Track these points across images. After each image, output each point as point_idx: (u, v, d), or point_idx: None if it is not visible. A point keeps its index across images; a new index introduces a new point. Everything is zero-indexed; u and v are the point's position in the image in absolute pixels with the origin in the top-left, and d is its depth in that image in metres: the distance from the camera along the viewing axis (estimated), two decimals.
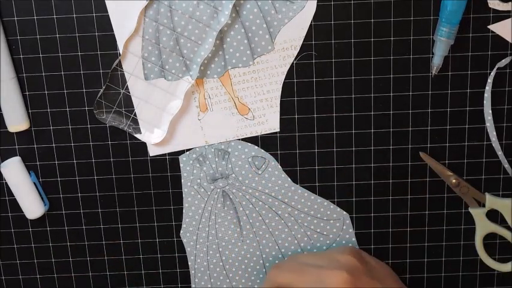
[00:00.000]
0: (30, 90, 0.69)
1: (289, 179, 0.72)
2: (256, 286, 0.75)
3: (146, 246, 0.74)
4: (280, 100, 0.69)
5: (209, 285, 0.75)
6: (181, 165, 0.71)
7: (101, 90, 0.68)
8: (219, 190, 0.72)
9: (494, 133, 0.69)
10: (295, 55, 0.68)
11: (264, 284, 0.69)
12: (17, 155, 0.71)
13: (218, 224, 0.73)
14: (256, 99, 0.69)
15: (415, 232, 0.73)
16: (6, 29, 0.67)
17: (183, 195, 0.72)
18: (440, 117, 0.69)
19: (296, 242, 0.73)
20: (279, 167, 0.71)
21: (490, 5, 0.66)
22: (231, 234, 0.73)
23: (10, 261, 0.74)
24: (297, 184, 0.72)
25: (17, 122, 0.68)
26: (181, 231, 0.73)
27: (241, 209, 0.72)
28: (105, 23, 0.67)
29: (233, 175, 0.71)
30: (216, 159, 0.71)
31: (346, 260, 0.67)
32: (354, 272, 0.65)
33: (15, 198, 0.71)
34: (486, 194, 0.70)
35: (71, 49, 0.67)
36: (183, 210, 0.73)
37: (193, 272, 0.75)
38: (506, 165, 0.70)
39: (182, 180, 0.72)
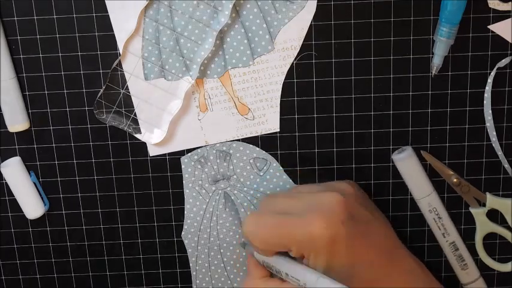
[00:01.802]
0: (30, 90, 0.69)
1: (291, 180, 0.72)
2: None
3: (146, 246, 0.74)
4: (280, 100, 0.69)
5: (210, 287, 0.75)
6: (182, 166, 0.71)
7: (101, 90, 0.68)
8: (220, 191, 0.72)
9: (494, 133, 0.69)
10: (295, 55, 0.68)
11: (247, 217, 0.66)
12: (17, 155, 0.71)
13: (219, 226, 0.73)
14: (256, 99, 0.69)
15: (415, 232, 0.73)
16: (6, 29, 0.67)
17: (185, 197, 0.72)
18: (440, 117, 0.69)
19: None
20: (281, 168, 0.71)
21: (490, 5, 0.66)
22: (233, 236, 0.73)
23: (10, 261, 0.74)
24: (297, 184, 0.72)
25: (17, 122, 0.68)
26: (182, 233, 0.73)
27: (242, 210, 0.72)
28: (105, 23, 0.67)
29: (234, 176, 0.71)
30: (218, 161, 0.71)
31: (343, 185, 0.66)
32: (348, 197, 0.63)
33: (15, 198, 0.71)
34: (487, 193, 0.70)
35: (71, 49, 0.67)
36: (185, 212, 0.73)
37: (194, 273, 0.75)
38: (506, 165, 0.70)
39: (183, 182, 0.72)
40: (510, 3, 0.66)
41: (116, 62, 0.67)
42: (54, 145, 0.70)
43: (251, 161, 0.71)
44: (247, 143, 0.70)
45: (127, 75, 0.68)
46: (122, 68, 0.68)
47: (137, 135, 0.70)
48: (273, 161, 0.71)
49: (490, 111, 0.68)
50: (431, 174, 0.70)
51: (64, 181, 0.72)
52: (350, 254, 0.61)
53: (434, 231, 0.71)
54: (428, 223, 0.71)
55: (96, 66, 0.68)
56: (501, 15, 0.66)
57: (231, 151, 0.71)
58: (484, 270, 0.73)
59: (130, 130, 0.69)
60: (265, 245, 0.64)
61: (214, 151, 0.71)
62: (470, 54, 0.67)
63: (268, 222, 0.63)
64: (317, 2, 0.66)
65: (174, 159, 0.71)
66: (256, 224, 0.64)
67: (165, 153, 0.71)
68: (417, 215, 0.72)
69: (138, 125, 0.69)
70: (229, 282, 0.75)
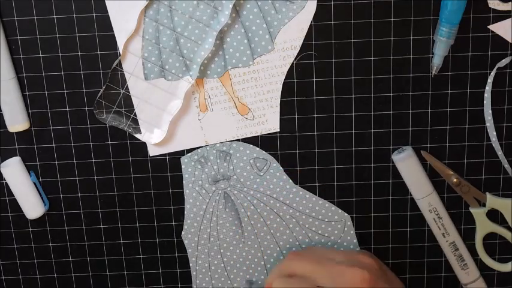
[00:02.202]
0: (30, 90, 0.69)
1: (291, 181, 0.72)
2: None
3: (146, 246, 0.74)
4: (280, 100, 0.69)
5: (210, 287, 0.75)
6: (182, 166, 0.71)
7: (101, 90, 0.68)
8: (220, 192, 0.72)
9: (494, 133, 0.69)
10: (295, 55, 0.68)
11: (278, 267, 0.68)
12: (17, 155, 0.71)
13: (219, 226, 0.73)
14: (256, 99, 0.69)
15: (415, 232, 0.73)
16: (6, 29, 0.67)
17: (185, 197, 0.72)
18: (440, 117, 0.69)
19: (297, 243, 0.73)
20: (281, 168, 0.71)
21: (490, 5, 0.66)
22: (233, 236, 0.73)
23: (10, 261, 0.74)
24: (297, 184, 0.72)
25: (17, 122, 0.68)
26: (182, 233, 0.73)
27: (242, 210, 0.72)
28: (105, 23, 0.67)
29: (234, 177, 0.71)
30: (218, 161, 0.71)
31: (367, 260, 0.67)
32: (373, 274, 0.64)
33: (15, 198, 0.71)
34: (487, 193, 0.70)
35: (71, 49, 0.67)
36: (185, 212, 0.73)
37: (194, 273, 0.75)
38: (506, 165, 0.70)
39: (183, 182, 0.72)
40: (510, 3, 0.66)
41: (116, 62, 0.67)
42: (54, 145, 0.70)
43: (251, 161, 0.71)
44: (247, 143, 0.70)
45: (127, 75, 0.68)
46: (122, 68, 0.68)
47: (137, 135, 0.70)
48: (273, 161, 0.71)
49: (490, 111, 0.68)
50: (431, 174, 0.70)
51: (64, 181, 0.72)
52: None
53: (434, 231, 0.71)
54: (428, 223, 0.71)
55: (96, 66, 0.68)
56: (501, 15, 0.66)
57: (231, 151, 0.71)
58: (484, 270, 0.73)
59: (130, 130, 0.69)
60: None
61: (214, 151, 0.71)
62: (470, 54, 0.67)
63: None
64: (317, 2, 0.66)
65: (174, 159, 0.71)
66: (284, 285, 0.65)
67: (165, 153, 0.71)
68: (417, 215, 0.72)
69: (138, 125, 0.69)
70: (229, 282, 0.75)
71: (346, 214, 0.72)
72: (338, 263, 0.65)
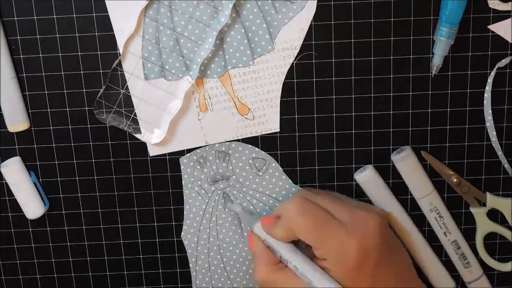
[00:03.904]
0: (30, 90, 0.69)
1: (290, 181, 0.72)
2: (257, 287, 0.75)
3: (146, 246, 0.74)
4: (280, 100, 0.69)
5: (210, 287, 0.75)
6: (181, 167, 0.71)
7: (101, 90, 0.68)
8: (219, 192, 0.72)
9: (494, 133, 0.69)
10: (295, 55, 0.68)
11: (296, 194, 0.68)
12: (17, 155, 0.71)
13: (219, 226, 0.73)
14: (256, 99, 0.69)
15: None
16: (6, 29, 0.67)
17: (184, 197, 0.72)
18: (440, 117, 0.69)
19: None
20: (280, 168, 0.71)
21: (490, 5, 0.66)
22: (232, 236, 0.73)
23: (10, 261, 0.74)
24: (297, 185, 0.72)
25: (17, 122, 0.68)
26: (182, 233, 0.73)
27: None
28: (105, 23, 0.67)
29: (234, 177, 0.71)
30: (217, 161, 0.71)
31: (380, 211, 0.67)
32: (384, 223, 0.65)
33: (15, 198, 0.71)
34: (487, 193, 0.70)
35: (71, 49, 0.67)
36: (184, 212, 0.73)
37: (194, 273, 0.75)
38: (506, 165, 0.70)
39: (183, 182, 0.72)
40: (510, 3, 0.66)
41: (116, 62, 0.67)
42: (54, 145, 0.70)
43: (250, 161, 0.71)
44: (247, 143, 0.70)
45: (127, 75, 0.68)
46: (122, 68, 0.68)
47: (137, 135, 0.70)
48: (272, 161, 0.71)
49: (490, 111, 0.68)
50: (431, 174, 0.70)
51: (64, 181, 0.72)
52: (373, 277, 0.62)
53: (435, 230, 0.72)
54: (429, 222, 0.71)
55: (96, 66, 0.68)
56: (501, 15, 0.66)
57: (230, 151, 0.71)
58: (485, 270, 0.73)
59: (130, 130, 0.69)
60: (301, 230, 0.63)
61: (213, 151, 0.71)
62: (470, 54, 0.67)
63: (315, 212, 0.64)
64: (317, 2, 0.66)
65: (174, 159, 0.71)
66: (303, 207, 0.64)
67: (165, 153, 0.71)
68: (418, 215, 0.72)
69: (138, 125, 0.69)
70: (229, 282, 0.75)
71: None
72: (353, 206, 0.65)
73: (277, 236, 0.65)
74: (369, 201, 0.71)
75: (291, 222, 0.64)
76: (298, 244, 0.66)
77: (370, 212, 0.64)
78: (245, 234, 0.73)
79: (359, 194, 0.71)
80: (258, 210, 0.72)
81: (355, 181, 0.71)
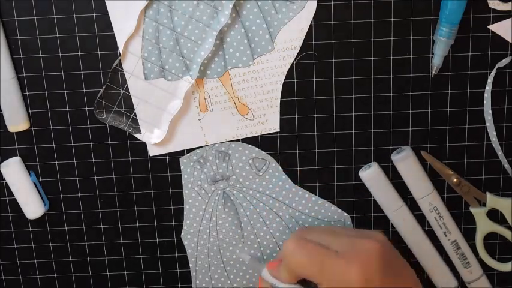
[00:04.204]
0: (30, 90, 0.69)
1: (290, 181, 0.72)
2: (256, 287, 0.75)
3: (146, 246, 0.74)
4: (280, 100, 0.69)
5: (210, 287, 0.75)
6: (181, 167, 0.71)
7: (101, 90, 0.68)
8: (219, 192, 0.72)
9: (494, 133, 0.69)
10: (295, 55, 0.68)
11: (294, 234, 0.67)
12: (17, 155, 0.71)
13: (219, 226, 0.73)
14: (256, 99, 0.69)
15: None
16: (6, 29, 0.67)
17: (184, 197, 0.72)
18: (440, 117, 0.69)
19: None
20: (280, 168, 0.71)
21: (490, 5, 0.66)
22: (232, 236, 0.73)
23: (10, 261, 0.74)
24: (297, 184, 0.72)
25: (17, 122, 0.68)
26: (182, 233, 0.73)
27: (241, 210, 0.72)
28: (105, 23, 0.67)
29: (234, 177, 0.71)
30: (217, 161, 0.71)
31: (379, 236, 0.66)
32: (385, 245, 0.64)
33: (15, 198, 0.71)
34: (487, 193, 0.70)
35: (71, 49, 0.67)
36: (184, 212, 0.73)
37: (194, 273, 0.75)
38: (506, 165, 0.70)
39: (183, 182, 0.72)
40: (510, 3, 0.66)
41: (116, 62, 0.67)
42: (54, 145, 0.70)
43: (250, 161, 0.71)
44: (247, 143, 0.70)
45: (127, 75, 0.68)
46: (122, 68, 0.68)
47: (137, 135, 0.70)
48: (272, 161, 0.71)
49: (490, 111, 0.68)
50: (431, 174, 0.70)
51: (64, 181, 0.72)
52: None
53: (435, 231, 0.72)
54: (429, 222, 0.71)
55: (96, 66, 0.68)
56: (501, 15, 0.66)
57: (230, 151, 0.71)
58: (485, 270, 0.73)
59: (130, 130, 0.69)
60: (299, 268, 0.63)
61: (213, 151, 0.71)
62: (470, 54, 0.67)
63: (310, 248, 0.63)
64: (317, 2, 0.66)
65: (173, 159, 0.71)
66: (298, 245, 0.64)
67: (165, 153, 0.71)
68: (418, 215, 0.72)
69: (138, 125, 0.69)
70: (229, 282, 0.75)
71: (346, 214, 0.72)
72: (351, 236, 0.65)
73: (283, 278, 0.66)
74: (371, 200, 0.71)
75: (290, 262, 0.64)
76: (310, 283, 0.66)
77: (368, 238, 0.64)
78: (245, 234, 0.73)
79: (359, 194, 0.71)
80: (258, 210, 0.72)
81: (356, 180, 0.71)
